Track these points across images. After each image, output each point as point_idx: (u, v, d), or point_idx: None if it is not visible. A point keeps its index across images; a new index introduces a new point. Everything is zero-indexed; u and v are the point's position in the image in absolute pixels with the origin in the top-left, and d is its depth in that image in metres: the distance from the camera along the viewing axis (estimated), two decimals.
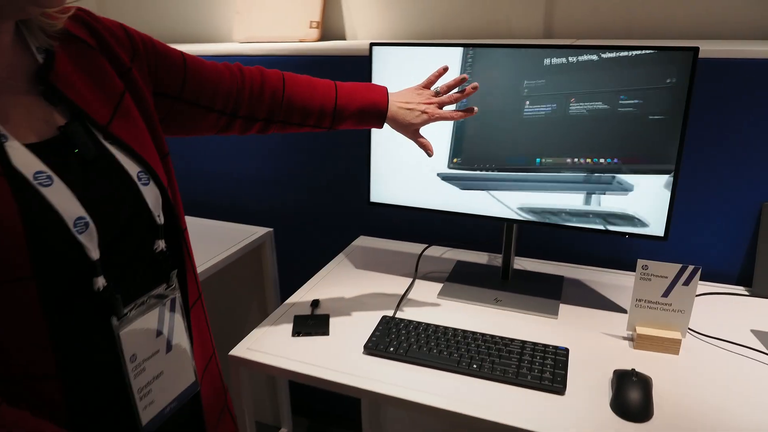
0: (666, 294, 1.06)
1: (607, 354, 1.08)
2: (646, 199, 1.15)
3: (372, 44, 1.28)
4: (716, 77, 1.24)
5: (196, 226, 1.75)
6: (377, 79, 1.29)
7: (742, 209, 1.30)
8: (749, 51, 1.19)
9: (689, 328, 1.15)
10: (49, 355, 0.61)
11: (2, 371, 0.60)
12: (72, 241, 0.61)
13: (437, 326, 1.14)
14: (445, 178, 1.30)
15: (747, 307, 1.25)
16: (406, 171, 1.33)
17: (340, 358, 1.08)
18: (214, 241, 1.61)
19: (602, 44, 1.14)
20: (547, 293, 1.31)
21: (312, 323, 1.19)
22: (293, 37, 1.73)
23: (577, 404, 0.95)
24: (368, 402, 1.72)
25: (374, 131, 1.33)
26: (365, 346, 1.10)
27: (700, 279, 1.37)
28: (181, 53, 0.88)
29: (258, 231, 1.69)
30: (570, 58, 1.13)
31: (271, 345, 1.13)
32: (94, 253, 0.63)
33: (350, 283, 1.39)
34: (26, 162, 0.60)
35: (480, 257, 1.52)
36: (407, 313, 1.23)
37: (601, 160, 1.16)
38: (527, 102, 1.18)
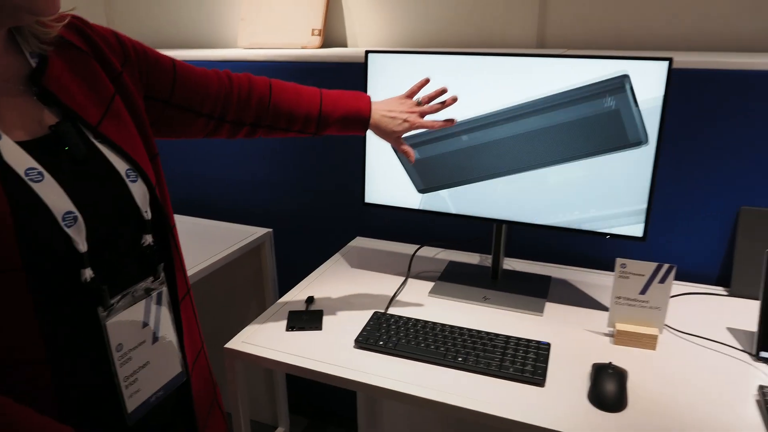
0: (643, 291, 1.11)
1: (587, 349, 1.13)
2: (626, 201, 1.20)
3: (367, 52, 1.33)
4: (697, 86, 1.29)
5: (198, 227, 1.80)
6: (373, 85, 1.35)
7: (721, 213, 1.36)
8: (729, 62, 1.25)
9: (667, 325, 1.20)
10: (39, 342, 0.64)
11: None
12: (61, 235, 0.64)
13: (426, 322, 1.19)
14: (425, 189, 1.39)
15: (724, 306, 1.29)
16: (399, 173, 1.39)
17: (331, 351, 1.13)
18: (215, 241, 1.67)
19: (572, 54, 1.19)
20: (535, 292, 1.35)
21: (306, 318, 1.24)
22: (296, 43, 1.80)
23: (556, 395, 1.00)
24: (364, 399, 1.76)
25: (370, 135, 1.38)
26: (356, 340, 1.15)
27: (681, 279, 1.42)
28: (172, 60, 0.91)
29: (258, 231, 1.74)
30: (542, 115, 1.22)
31: (265, 339, 1.18)
32: (82, 246, 0.66)
33: (345, 282, 1.44)
34: (18, 159, 0.63)
35: (472, 258, 1.57)
36: (398, 310, 1.28)
37: (578, 164, 1.21)
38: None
